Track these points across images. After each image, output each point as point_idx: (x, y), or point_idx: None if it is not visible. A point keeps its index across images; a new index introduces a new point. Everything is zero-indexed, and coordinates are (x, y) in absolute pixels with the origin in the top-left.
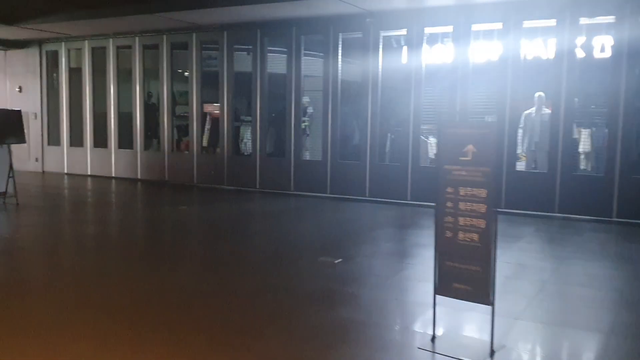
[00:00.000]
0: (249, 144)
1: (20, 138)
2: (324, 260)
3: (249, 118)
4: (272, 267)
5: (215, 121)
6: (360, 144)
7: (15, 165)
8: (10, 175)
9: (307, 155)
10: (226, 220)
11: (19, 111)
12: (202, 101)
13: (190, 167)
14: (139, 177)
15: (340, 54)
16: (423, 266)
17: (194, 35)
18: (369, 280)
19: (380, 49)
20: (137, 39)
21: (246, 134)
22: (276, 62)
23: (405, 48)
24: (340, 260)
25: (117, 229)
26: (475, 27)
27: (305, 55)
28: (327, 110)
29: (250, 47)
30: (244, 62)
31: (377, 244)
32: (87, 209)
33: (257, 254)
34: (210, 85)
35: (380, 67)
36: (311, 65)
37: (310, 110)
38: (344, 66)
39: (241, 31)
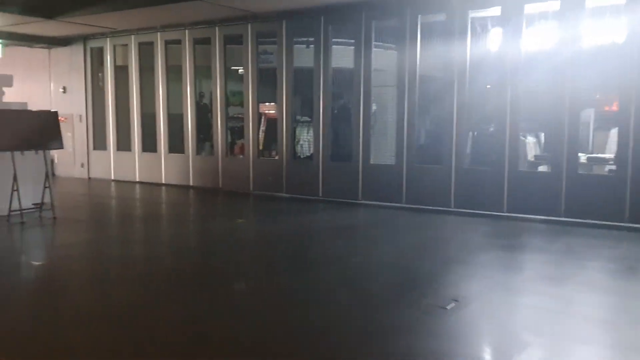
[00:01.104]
0: (305, 146)
1: (57, 143)
2: (432, 304)
3: (305, 118)
4: (365, 315)
5: (272, 122)
6: (442, 145)
7: (61, 172)
8: (47, 185)
9: (376, 159)
10: (291, 240)
11: (56, 113)
12: (259, 100)
13: (246, 173)
14: (190, 183)
15: (419, 40)
16: (576, 319)
17: (249, 26)
18: (507, 341)
19: (469, 33)
20: (187, 32)
21: (302, 135)
22: (338, 56)
23: (498, 30)
24: (452, 304)
25: (168, 250)
26: (590, 2)
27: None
28: (402, 108)
29: (312, 38)
30: (301, 56)
31: (489, 275)
32: (134, 224)
33: (340, 291)
34: (265, 83)
35: (468, 54)
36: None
37: (373, 107)
38: (424, 55)
39: (302, 20)
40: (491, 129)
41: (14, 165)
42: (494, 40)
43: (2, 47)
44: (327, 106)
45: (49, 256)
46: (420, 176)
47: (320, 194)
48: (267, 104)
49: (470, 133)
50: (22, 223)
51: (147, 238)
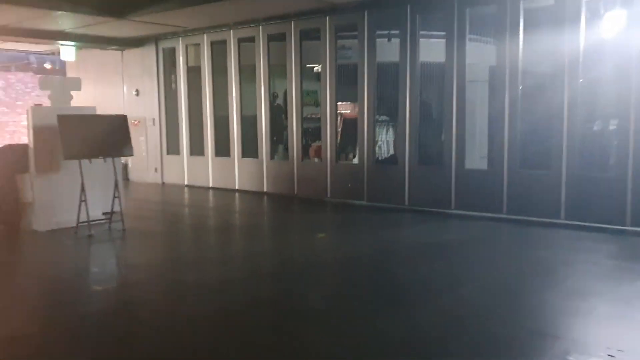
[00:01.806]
0: (384, 147)
1: (127, 150)
2: None
3: (383, 117)
4: None
5: (350, 123)
6: (549, 148)
7: (134, 177)
8: (116, 194)
9: (470, 163)
10: (382, 262)
11: (125, 117)
12: (337, 100)
13: (323, 179)
14: (264, 189)
15: (521, 28)
16: None
17: (327, 19)
18: None
19: (583, 17)
20: (260, 28)
21: (381, 135)
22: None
23: (618, 13)
24: None
25: (244, 275)
26: None
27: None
28: (500, 105)
29: (396, 30)
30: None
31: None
32: (206, 238)
33: (455, 337)
34: (343, 81)
35: (582, 42)
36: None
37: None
38: (527, 46)
39: (386, 10)
40: (612, 127)
41: (81, 174)
42: (612, 25)
43: (75, 50)
44: (413, 104)
45: (115, 280)
46: (523, 182)
47: (407, 203)
48: (346, 103)
49: (585, 132)
50: (90, 236)
51: (220, 258)
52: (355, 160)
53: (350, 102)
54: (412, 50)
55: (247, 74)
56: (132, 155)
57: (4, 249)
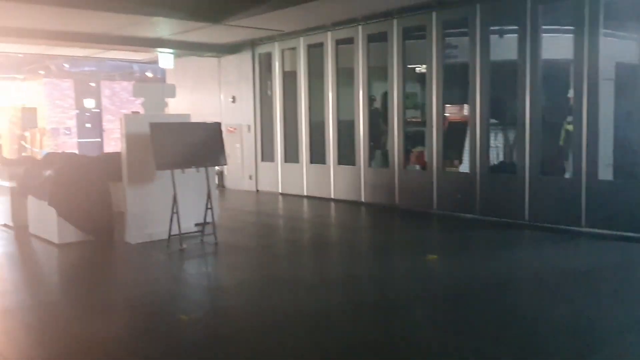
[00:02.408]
0: (495, 154)
1: (220, 159)
2: None
3: (492, 120)
4: None
5: (455, 126)
6: None
7: (229, 184)
8: (209, 205)
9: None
10: (507, 293)
11: (219, 124)
12: (444, 102)
13: (428, 188)
14: (362, 199)
15: None
16: None
17: (434, 15)
18: None
19: None
20: (360, 28)
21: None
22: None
23: None
24: None
25: (344, 306)
26: None
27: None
28: (633, 106)
29: (514, 25)
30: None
31: None
32: (302, 256)
33: None
34: (448, 82)
35: None
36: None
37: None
38: None
39: (501, 2)
40: None
41: (174, 185)
42: None
43: (173, 57)
44: (536, 106)
45: (204, 305)
46: None
47: (527, 217)
48: (452, 105)
49: None
50: (182, 250)
51: (316, 282)
52: (464, 168)
53: (456, 104)
54: (533, 45)
55: (345, 77)
56: (225, 164)
57: (94, 264)
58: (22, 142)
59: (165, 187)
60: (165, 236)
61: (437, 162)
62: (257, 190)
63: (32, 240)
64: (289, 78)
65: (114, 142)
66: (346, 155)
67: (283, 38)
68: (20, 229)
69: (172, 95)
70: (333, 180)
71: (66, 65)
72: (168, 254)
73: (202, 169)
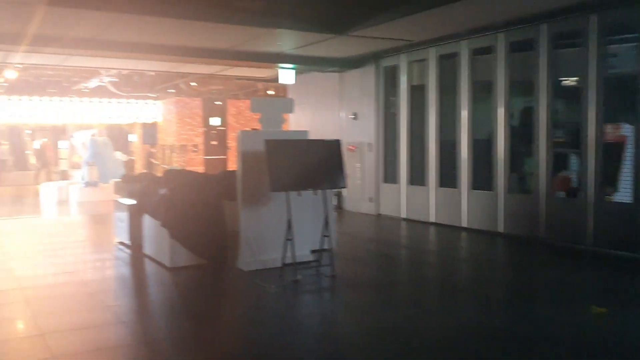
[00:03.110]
0: None
1: (340, 180)
2: None
3: None
4: None
5: (609, 149)
6: None
7: (348, 206)
8: (326, 233)
9: None
10: None
11: (338, 142)
12: (604, 120)
13: (580, 220)
14: (499, 229)
15: None
16: None
17: (591, 18)
18: None
19: None
20: (500, 36)
21: None
22: None
23: None
24: None
25: None
26: None
27: None
28: None
29: None
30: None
31: None
32: (432, 299)
33: None
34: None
35: None
36: None
37: None
38: None
39: None
40: None
41: (289, 209)
42: None
43: (294, 73)
44: None
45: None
46: None
47: None
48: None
49: None
50: (296, 282)
51: (450, 338)
52: (622, 197)
53: (612, 122)
54: None
55: (481, 91)
56: (345, 187)
57: (203, 296)
58: (151, 159)
59: (280, 210)
60: (279, 264)
61: (593, 190)
62: (378, 214)
63: (145, 262)
64: (417, 93)
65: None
66: (481, 179)
67: (411, 49)
68: (136, 249)
69: (290, 110)
70: (465, 207)
71: (194, 84)
72: (281, 286)
73: (320, 192)
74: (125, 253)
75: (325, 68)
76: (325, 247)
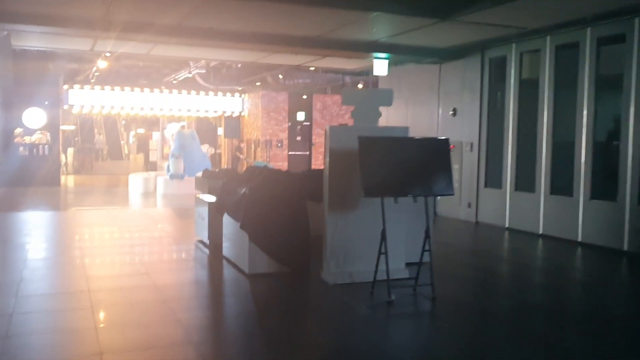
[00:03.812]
0: None
1: (446, 187)
2: None
3: None
4: None
5: None
6: None
7: (442, 211)
8: (427, 247)
9: None
10: None
11: (446, 141)
12: None
13: None
14: (623, 247)
15: None
16: None
17: None
18: None
19: None
20: (637, 22)
21: None
22: None
23: None
24: None
25: None
26: None
27: None
28: None
29: None
30: None
31: None
32: (555, 333)
33: None
34: None
35: None
36: None
37: None
38: None
39: None
40: None
41: (383, 217)
42: None
43: (387, 64)
44: None
45: None
46: None
47: None
48: None
49: None
50: (389, 303)
51: None
52: None
53: None
54: None
55: (606, 87)
56: (452, 194)
57: (283, 312)
58: (237, 153)
59: (372, 217)
60: (369, 278)
61: None
62: (477, 222)
63: (224, 265)
64: (528, 87)
65: (321, 156)
66: (603, 188)
67: (523, 38)
68: (214, 249)
69: (388, 102)
70: (582, 218)
71: (280, 77)
72: (372, 306)
73: (421, 199)
74: (204, 253)
75: (423, 59)
76: (423, 261)
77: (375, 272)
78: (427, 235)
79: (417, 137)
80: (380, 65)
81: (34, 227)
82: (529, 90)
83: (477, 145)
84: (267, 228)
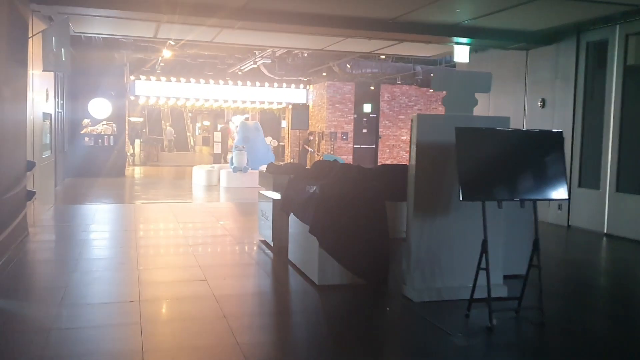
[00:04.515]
0: None
1: (559, 190)
2: None
3: None
4: None
5: None
6: None
7: None
8: (535, 262)
9: None
10: None
11: (559, 135)
12: None
13: None
14: None
15: None
16: None
17: None
18: None
19: None
20: None
21: None
22: None
23: None
24: None
25: None
26: None
27: None
28: None
29: None
30: None
31: None
32: None
33: None
34: None
35: None
36: None
37: None
38: None
39: None
40: None
41: (485, 225)
42: None
43: (469, 48)
44: None
45: None
46: None
47: None
48: None
49: None
50: (490, 329)
51: None
52: None
53: None
54: None
55: None
56: (566, 199)
57: (357, 338)
58: (305, 146)
59: (467, 223)
60: (460, 295)
61: None
62: (568, 226)
63: (290, 273)
64: (634, 75)
65: (388, 150)
66: None
67: (629, 18)
68: (279, 252)
69: (487, 88)
70: None
71: (348, 66)
72: (466, 335)
73: (529, 205)
74: (267, 256)
75: (509, 44)
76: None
77: (473, 290)
78: (535, 248)
79: (527, 130)
80: (461, 52)
81: (94, 222)
82: (635, 79)
83: (570, 139)
84: (341, 233)
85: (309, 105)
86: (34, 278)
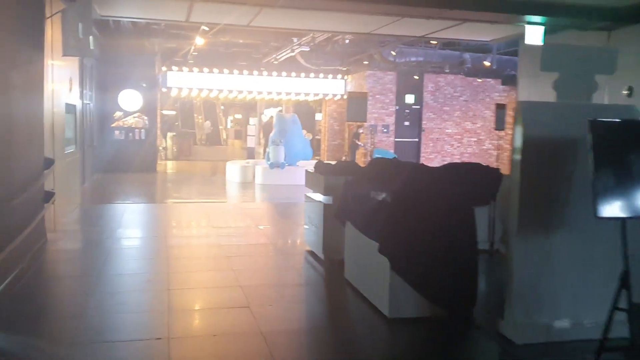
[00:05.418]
0: None
1: None
2: None
3: None
4: None
5: None
6: None
7: None
8: None
9: None
10: None
11: None
12: None
13: None
14: None
15: None
16: None
17: None
18: None
19: None
20: None
21: None
22: None
23: None
24: None
25: None
26: None
27: None
28: None
29: None
30: None
31: None
32: None
33: None
34: None
35: None
36: None
37: None
38: None
39: None
40: None
41: (625, 252)
42: None
43: (543, 29)
44: None
45: None
46: None
47: None
48: None
49: None
50: None
51: None
52: None
53: None
54: None
55: None
56: None
57: None
58: (355, 140)
59: (588, 245)
60: (576, 336)
61: None
62: None
63: (348, 297)
64: None
65: (432, 144)
66: None
67: None
68: (331, 269)
69: (611, 69)
70: None
71: (393, 53)
72: None
73: None
74: (318, 274)
75: (590, 23)
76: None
77: (606, 333)
78: None
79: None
80: (533, 32)
81: (121, 225)
82: None
83: None
84: (419, 253)
85: (367, 93)
86: (45, 303)
